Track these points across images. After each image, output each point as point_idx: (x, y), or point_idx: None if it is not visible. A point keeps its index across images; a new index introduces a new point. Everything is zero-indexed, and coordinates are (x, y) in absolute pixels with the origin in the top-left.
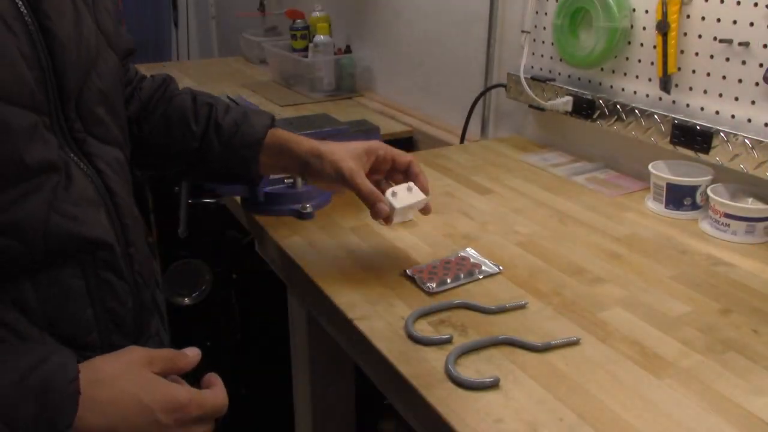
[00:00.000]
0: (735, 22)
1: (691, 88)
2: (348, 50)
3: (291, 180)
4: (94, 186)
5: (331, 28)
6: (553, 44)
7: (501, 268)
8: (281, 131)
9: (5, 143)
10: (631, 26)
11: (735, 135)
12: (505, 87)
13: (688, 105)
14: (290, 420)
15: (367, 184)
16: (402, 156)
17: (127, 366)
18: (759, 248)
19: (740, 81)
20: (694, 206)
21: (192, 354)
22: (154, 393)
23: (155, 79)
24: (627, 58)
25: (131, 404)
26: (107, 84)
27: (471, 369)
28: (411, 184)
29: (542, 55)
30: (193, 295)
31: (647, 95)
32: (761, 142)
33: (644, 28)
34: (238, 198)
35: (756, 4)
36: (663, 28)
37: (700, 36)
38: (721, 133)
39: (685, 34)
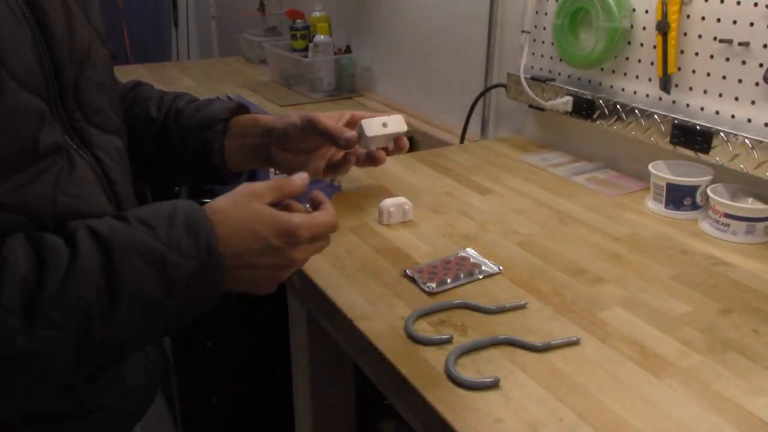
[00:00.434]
0: (735, 22)
1: (691, 88)
2: (348, 50)
3: None
4: (94, 173)
5: (331, 28)
6: (553, 44)
7: (501, 268)
8: (249, 116)
9: (24, 126)
10: (631, 26)
11: (735, 135)
12: (505, 87)
13: (688, 105)
14: (290, 420)
15: (333, 123)
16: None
17: (235, 202)
18: (759, 248)
19: (740, 81)
20: (694, 206)
21: (300, 179)
22: (264, 221)
23: (127, 83)
24: (627, 58)
25: (246, 234)
26: (102, 75)
27: (471, 369)
28: (386, 119)
29: (542, 55)
30: None
31: (647, 95)
32: (761, 142)
33: (644, 28)
34: None
35: (756, 4)
36: (663, 28)
37: (700, 36)
38: (721, 133)
39: (685, 34)
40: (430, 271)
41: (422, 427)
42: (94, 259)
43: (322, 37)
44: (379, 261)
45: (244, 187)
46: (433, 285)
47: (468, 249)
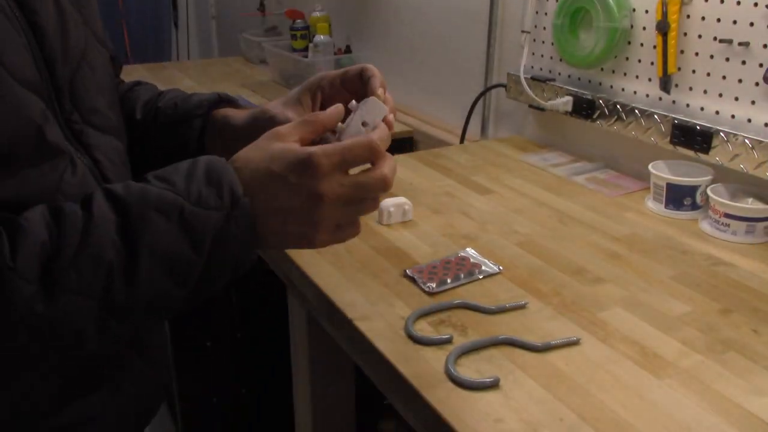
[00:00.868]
0: (735, 22)
1: (691, 88)
2: (348, 50)
3: None
4: (93, 176)
5: (331, 28)
6: (553, 44)
7: (501, 268)
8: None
9: (30, 120)
10: (631, 26)
11: (735, 135)
12: (505, 87)
13: (688, 105)
14: (290, 420)
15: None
16: (350, 70)
17: (256, 146)
18: (759, 248)
19: (740, 81)
20: (694, 206)
21: (334, 109)
22: (279, 158)
23: (126, 84)
24: (627, 58)
25: (264, 177)
26: (100, 76)
27: (471, 369)
28: (365, 115)
29: (542, 55)
30: None
31: (647, 95)
32: (761, 142)
33: (644, 28)
34: None
35: (756, 4)
36: (663, 28)
37: (700, 36)
38: (721, 133)
39: (685, 34)
40: (430, 271)
41: (422, 427)
42: (110, 219)
43: (322, 37)
44: (379, 261)
45: (269, 131)
46: (433, 285)
47: (468, 249)
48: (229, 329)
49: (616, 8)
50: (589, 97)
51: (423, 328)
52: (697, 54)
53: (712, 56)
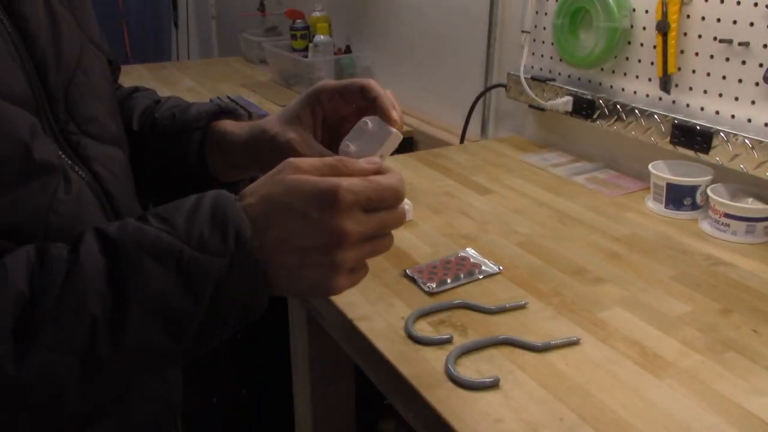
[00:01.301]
0: (735, 22)
1: (691, 88)
2: (348, 50)
3: None
4: (92, 191)
5: (331, 28)
6: (553, 44)
7: (501, 268)
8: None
9: (13, 141)
10: (631, 26)
11: (735, 135)
12: (505, 87)
13: (688, 105)
14: (290, 420)
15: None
16: (350, 85)
17: (270, 179)
18: (759, 248)
19: (740, 81)
20: (694, 206)
21: (367, 162)
22: (298, 192)
23: (125, 90)
24: (627, 58)
25: (281, 213)
26: (97, 82)
27: (471, 369)
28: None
29: (542, 55)
30: None
31: (647, 95)
32: (761, 142)
33: (644, 28)
34: None
35: (756, 4)
36: (663, 28)
37: (700, 36)
38: (721, 133)
39: (685, 34)
40: (430, 271)
41: (422, 427)
42: (97, 264)
43: (322, 37)
44: (379, 261)
45: (286, 161)
46: (433, 285)
47: (468, 249)
48: None
49: (616, 8)
50: (589, 97)
51: (423, 328)
52: (697, 54)
53: (712, 56)
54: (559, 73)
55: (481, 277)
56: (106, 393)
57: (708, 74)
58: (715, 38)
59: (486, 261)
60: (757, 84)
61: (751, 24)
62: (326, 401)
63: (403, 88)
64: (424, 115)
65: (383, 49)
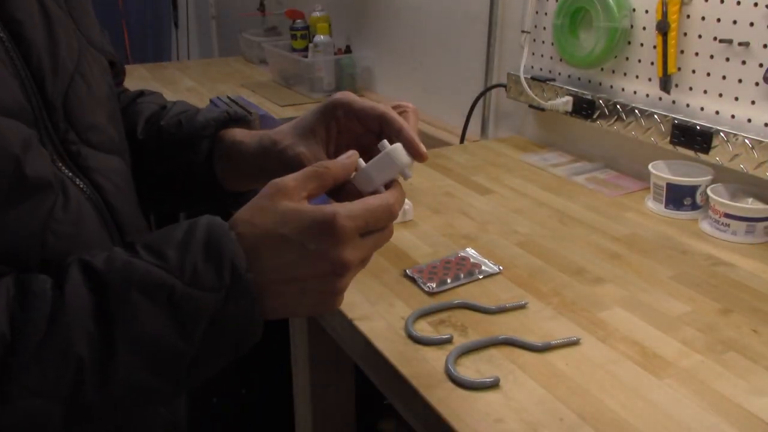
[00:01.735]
0: (735, 22)
1: (691, 88)
2: (348, 50)
3: None
4: (93, 204)
5: (331, 28)
6: (553, 44)
7: (501, 268)
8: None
9: (3, 156)
10: (631, 26)
11: (735, 135)
12: (505, 87)
13: (688, 105)
14: (290, 420)
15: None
16: (369, 111)
17: (260, 207)
18: (759, 248)
19: (740, 81)
20: (694, 206)
21: (346, 158)
22: (293, 223)
23: (129, 94)
24: (627, 58)
25: (276, 244)
26: (97, 86)
27: (471, 369)
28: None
29: (542, 55)
30: None
31: (647, 95)
32: (761, 142)
33: (644, 28)
34: None
35: (756, 4)
36: (663, 28)
37: (700, 36)
38: (721, 133)
39: (685, 34)
40: (430, 271)
41: (422, 427)
42: (84, 302)
43: (322, 37)
44: (379, 261)
45: (271, 185)
46: (433, 285)
47: (468, 249)
48: None
49: (616, 8)
50: (589, 97)
51: (423, 328)
52: (697, 54)
53: (712, 56)
54: (559, 73)
55: (481, 277)
56: None
57: (708, 74)
58: (715, 38)
59: (486, 261)
60: (757, 84)
61: (751, 24)
62: (326, 401)
63: (403, 88)
64: (424, 115)
65: (383, 49)
